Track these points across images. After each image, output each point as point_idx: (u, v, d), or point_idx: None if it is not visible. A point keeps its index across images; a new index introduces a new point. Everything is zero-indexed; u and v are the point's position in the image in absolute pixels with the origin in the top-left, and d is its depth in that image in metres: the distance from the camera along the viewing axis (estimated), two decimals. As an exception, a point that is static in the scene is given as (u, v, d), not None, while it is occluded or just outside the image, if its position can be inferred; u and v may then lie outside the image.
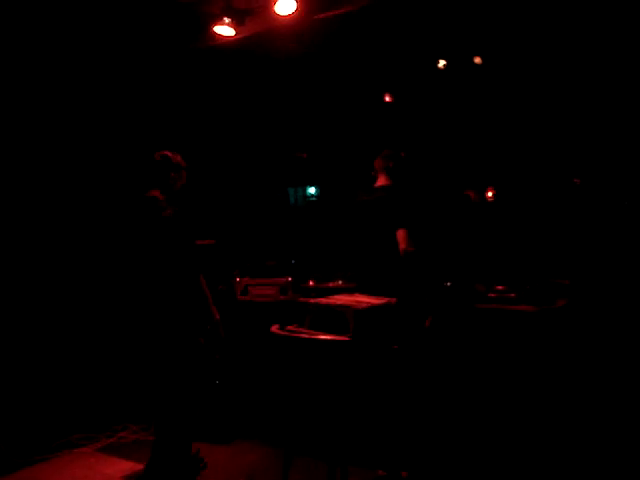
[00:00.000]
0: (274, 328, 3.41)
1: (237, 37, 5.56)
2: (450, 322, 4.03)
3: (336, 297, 3.56)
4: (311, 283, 5.53)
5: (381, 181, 4.59)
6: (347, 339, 3.12)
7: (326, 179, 9.30)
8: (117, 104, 6.18)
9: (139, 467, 4.40)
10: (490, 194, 7.93)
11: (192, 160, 4.39)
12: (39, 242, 5.60)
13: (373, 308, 3.31)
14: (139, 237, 3.94)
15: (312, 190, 10.11)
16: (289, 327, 3.44)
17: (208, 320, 4.02)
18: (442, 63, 7.02)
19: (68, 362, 5.68)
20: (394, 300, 3.43)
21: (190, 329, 3.94)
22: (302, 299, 4.92)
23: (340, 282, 5.34)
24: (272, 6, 5.10)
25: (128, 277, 4.14)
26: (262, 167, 8.27)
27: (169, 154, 4.12)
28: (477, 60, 6.79)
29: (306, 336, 3.23)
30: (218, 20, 5.34)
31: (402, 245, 4.13)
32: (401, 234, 4.19)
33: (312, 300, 3.49)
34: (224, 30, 5.43)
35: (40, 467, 4.69)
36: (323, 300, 3.46)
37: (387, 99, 7.91)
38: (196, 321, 3.97)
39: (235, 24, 5.37)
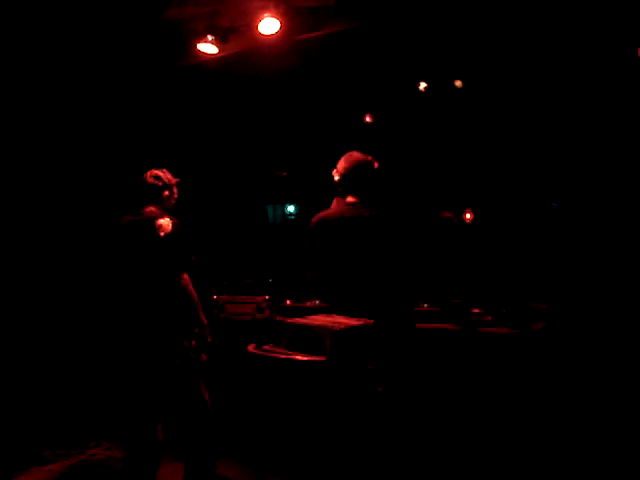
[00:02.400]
0: (251, 347, 3.39)
1: (220, 55, 5.58)
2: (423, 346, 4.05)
3: (314, 317, 3.54)
4: (288, 302, 5.51)
5: (351, 197, 3.87)
6: (324, 360, 3.11)
7: (305, 197, 9.32)
8: (97, 120, 6.17)
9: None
10: (468, 216, 7.99)
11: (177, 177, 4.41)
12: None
13: (351, 329, 3.30)
14: (135, 249, 3.97)
15: (291, 208, 10.13)
16: (265, 346, 3.42)
17: (197, 324, 4.04)
18: (423, 85, 7.08)
19: (40, 377, 5.61)
20: (371, 321, 3.43)
21: (179, 333, 3.97)
22: (279, 318, 4.92)
23: (317, 302, 5.33)
24: (256, 25, 5.14)
25: (112, 288, 4.15)
26: (241, 184, 8.28)
27: (160, 174, 4.14)
28: (458, 83, 6.86)
29: (283, 356, 3.21)
30: (202, 38, 5.36)
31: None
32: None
33: (289, 320, 3.48)
34: (207, 48, 5.45)
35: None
36: (300, 320, 3.44)
37: (367, 119, 7.97)
38: (184, 325, 4.00)
39: (219, 42, 5.40)
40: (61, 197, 5.94)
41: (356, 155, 3.90)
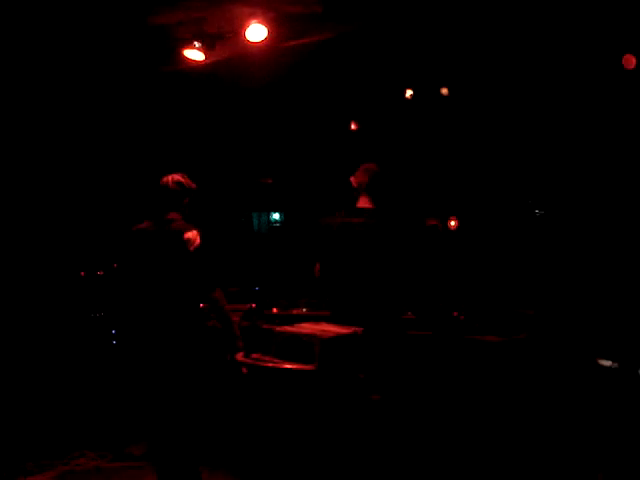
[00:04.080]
0: (239, 356, 3.38)
1: (206, 62, 5.55)
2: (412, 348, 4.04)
3: (302, 325, 3.53)
4: (275, 310, 5.48)
5: (364, 203, 4.11)
6: (313, 368, 3.09)
7: (290, 205, 9.32)
8: (80, 124, 6.15)
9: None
10: (453, 223, 8.02)
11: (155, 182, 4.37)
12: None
13: (339, 337, 3.29)
14: (164, 262, 3.87)
15: (276, 216, 10.13)
16: (254, 355, 3.40)
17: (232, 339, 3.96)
18: (409, 93, 7.10)
19: (21, 387, 5.55)
20: (360, 330, 3.41)
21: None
22: (266, 326, 4.87)
23: (304, 310, 5.31)
24: (243, 32, 5.12)
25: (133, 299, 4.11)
26: (227, 192, 8.26)
27: (182, 180, 3.99)
28: (444, 91, 6.89)
29: (271, 365, 3.20)
30: (188, 44, 5.34)
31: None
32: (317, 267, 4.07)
33: (278, 328, 3.46)
34: (194, 54, 5.42)
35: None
36: (289, 328, 3.43)
37: (353, 127, 7.98)
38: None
39: (205, 48, 5.37)
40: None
41: (373, 166, 4.16)
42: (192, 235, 3.82)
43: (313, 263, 4.24)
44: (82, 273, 6.39)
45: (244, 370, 3.88)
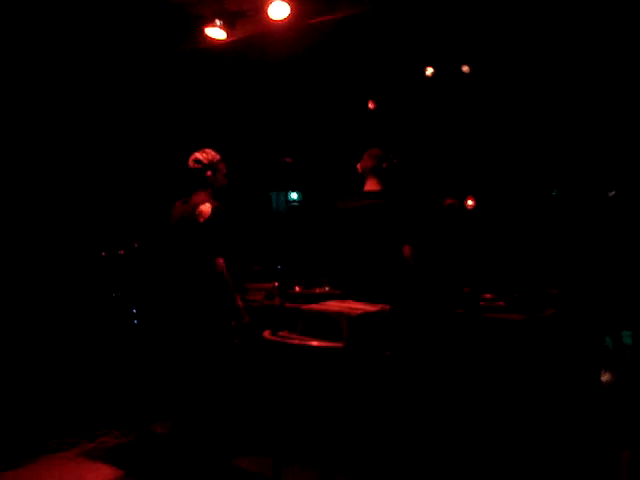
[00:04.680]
0: (266, 333, 3.38)
1: (227, 40, 5.51)
2: (444, 329, 4.03)
3: (328, 303, 3.53)
4: (297, 289, 5.48)
5: (371, 185, 4.31)
6: (340, 346, 3.10)
7: (308, 184, 9.29)
8: (101, 105, 6.15)
9: (120, 473, 4.39)
10: (470, 202, 7.98)
11: (177, 162, 4.42)
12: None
13: (367, 315, 3.29)
14: (179, 235, 4.17)
15: (294, 195, 10.11)
16: (281, 333, 3.41)
17: (232, 307, 4.13)
18: (430, 71, 7.03)
19: (47, 367, 5.60)
20: (387, 307, 3.41)
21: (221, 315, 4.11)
22: (290, 305, 4.89)
23: (327, 288, 5.30)
24: (265, 10, 5.07)
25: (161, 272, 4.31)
26: (246, 171, 8.24)
27: (199, 156, 4.18)
28: (465, 69, 6.82)
29: (300, 342, 3.20)
30: (209, 22, 5.29)
31: (411, 261, 4.02)
32: (407, 250, 4.03)
33: (305, 306, 3.46)
34: (215, 33, 5.37)
35: (18, 473, 4.56)
36: (316, 306, 3.43)
37: (370, 106, 7.93)
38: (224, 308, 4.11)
39: (226, 27, 5.33)
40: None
41: (376, 151, 4.33)
42: (204, 208, 4.04)
43: (329, 246, 4.38)
44: (103, 253, 6.42)
45: (236, 340, 4.03)
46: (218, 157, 4.23)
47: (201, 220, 4.00)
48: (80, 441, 5.15)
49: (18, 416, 5.23)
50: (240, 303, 4.15)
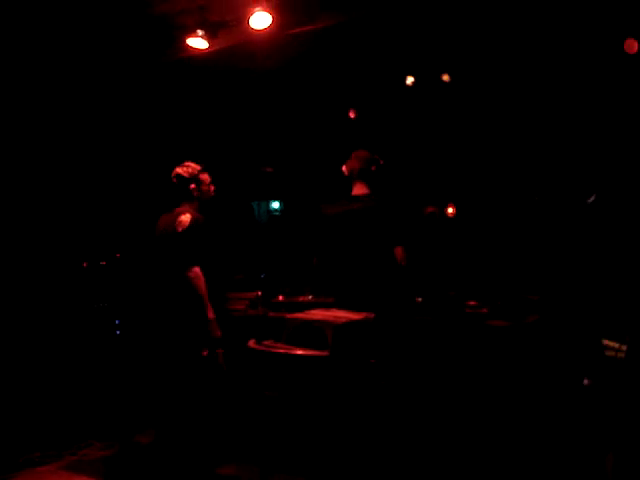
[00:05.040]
0: (251, 343, 3.38)
1: (210, 50, 5.52)
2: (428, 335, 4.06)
3: (313, 312, 3.54)
4: (280, 298, 5.48)
5: (359, 189, 4.21)
6: (326, 354, 3.11)
7: (290, 193, 9.30)
8: (85, 115, 6.15)
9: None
10: (451, 210, 8.02)
11: (160, 173, 4.44)
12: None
13: (351, 323, 3.31)
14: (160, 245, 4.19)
15: (276, 204, 10.11)
16: (266, 342, 3.41)
17: (201, 318, 4.07)
18: (410, 80, 7.08)
19: (28, 378, 5.55)
20: (372, 315, 3.43)
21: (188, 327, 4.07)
22: (273, 314, 4.90)
23: (310, 297, 5.30)
24: (247, 20, 5.08)
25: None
26: (228, 180, 8.23)
27: (179, 171, 4.21)
28: (445, 78, 6.87)
29: (285, 351, 3.21)
30: (191, 32, 5.30)
31: (403, 262, 3.93)
32: (399, 251, 3.95)
33: (289, 315, 3.48)
34: (197, 42, 5.38)
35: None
36: (301, 315, 3.44)
37: (351, 115, 7.96)
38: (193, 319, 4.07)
39: (208, 37, 5.34)
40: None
41: (364, 153, 4.25)
42: (184, 218, 4.06)
43: (313, 253, 4.32)
44: (84, 264, 6.39)
45: (204, 353, 4.02)
46: (199, 168, 4.25)
47: (179, 230, 4.02)
48: (63, 454, 5.08)
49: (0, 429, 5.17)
50: (212, 315, 4.08)
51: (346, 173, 4.26)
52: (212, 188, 4.33)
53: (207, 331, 4.07)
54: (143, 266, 4.42)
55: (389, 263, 3.92)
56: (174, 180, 4.20)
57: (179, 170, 4.20)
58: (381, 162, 4.25)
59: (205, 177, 4.28)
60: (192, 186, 4.18)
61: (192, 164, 4.24)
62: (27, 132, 5.80)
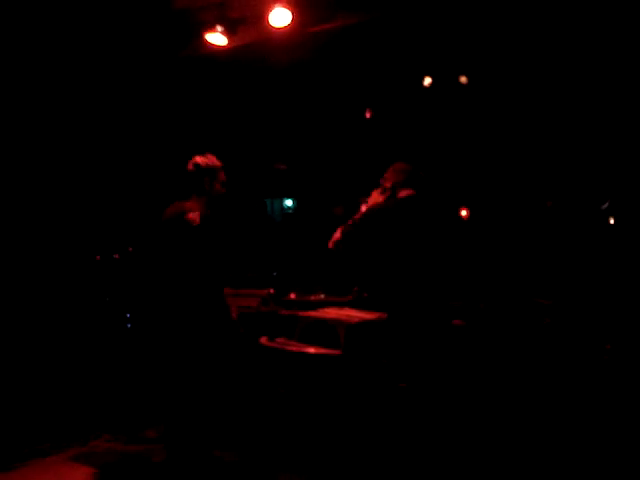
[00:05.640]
0: (263, 340, 3.39)
1: (228, 46, 5.51)
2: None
3: (326, 310, 3.55)
4: (292, 296, 5.46)
5: (405, 193, 3.89)
6: (338, 353, 3.11)
7: (304, 192, 9.30)
8: (101, 109, 6.17)
9: (111, 476, 4.39)
10: (464, 213, 7.99)
11: (174, 167, 4.40)
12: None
13: (365, 323, 3.30)
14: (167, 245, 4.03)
15: (289, 202, 10.12)
16: (278, 339, 3.42)
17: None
18: (428, 81, 7.06)
19: (38, 370, 5.59)
20: (385, 315, 3.41)
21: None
22: (285, 312, 4.88)
23: (322, 296, 5.28)
24: (266, 17, 5.07)
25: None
26: (242, 177, 8.24)
27: (199, 161, 4.07)
28: (463, 79, 6.85)
29: (297, 349, 3.22)
30: (211, 28, 5.29)
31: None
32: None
33: (302, 313, 3.48)
34: (216, 39, 5.37)
35: (8, 476, 4.51)
36: (314, 313, 3.45)
37: (367, 115, 7.95)
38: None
39: (228, 33, 5.33)
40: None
41: (403, 165, 3.98)
42: (192, 216, 3.93)
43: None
44: (97, 257, 6.41)
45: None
46: (219, 164, 4.16)
47: (193, 225, 3.93)
48: (72, 445, 5.10)
49: (10, 419, 5.19)
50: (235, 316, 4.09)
51: (388, 186, 3.95)
52: (224, 190, 4.24)
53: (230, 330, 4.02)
54: (151, 260, 4.33)
55: (428, 263, 3.78)
56: (190, 167, 4.08)
57: (199, 159, 4.08)
58: (421, 174, 4.01)
59: (221, 175, 4.19)
60: (206, 179, 4.08)
61: (213, 157, 4.15)
62: (43, 125, 5.81)
